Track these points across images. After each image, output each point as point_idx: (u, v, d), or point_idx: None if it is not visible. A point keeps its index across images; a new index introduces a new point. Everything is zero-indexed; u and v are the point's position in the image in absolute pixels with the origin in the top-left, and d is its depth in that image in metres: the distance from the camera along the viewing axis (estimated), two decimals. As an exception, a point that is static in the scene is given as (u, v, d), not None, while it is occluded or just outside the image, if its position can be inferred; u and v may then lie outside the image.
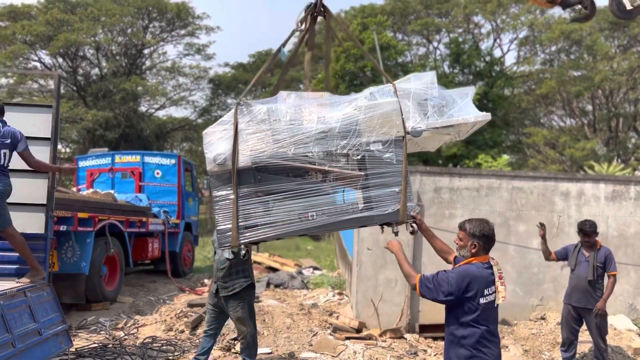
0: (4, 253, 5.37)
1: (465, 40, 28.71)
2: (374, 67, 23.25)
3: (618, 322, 7.68)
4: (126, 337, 7.04)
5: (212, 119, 31.32)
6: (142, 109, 31.76)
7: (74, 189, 11.91)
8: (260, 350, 6.50)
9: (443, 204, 8.01)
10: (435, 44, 30.19)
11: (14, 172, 5.35)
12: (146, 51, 31.80)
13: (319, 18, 4.26)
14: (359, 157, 3.69)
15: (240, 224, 3.67)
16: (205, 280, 12.07)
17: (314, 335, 7.32)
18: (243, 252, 3.81)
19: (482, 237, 3.39)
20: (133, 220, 9.82)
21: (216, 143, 3.72)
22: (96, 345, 6.52)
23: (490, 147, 24.99)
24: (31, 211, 5.64)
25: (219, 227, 3.75)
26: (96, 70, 30.23)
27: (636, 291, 8.18)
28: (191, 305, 8.82)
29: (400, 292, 7.72)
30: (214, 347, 5.77)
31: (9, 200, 5.31)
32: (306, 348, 6.80)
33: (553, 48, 28.71)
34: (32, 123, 5.72)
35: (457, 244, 3.51)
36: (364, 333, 7.47)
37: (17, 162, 5.23)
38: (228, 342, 6.70)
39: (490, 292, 3.33)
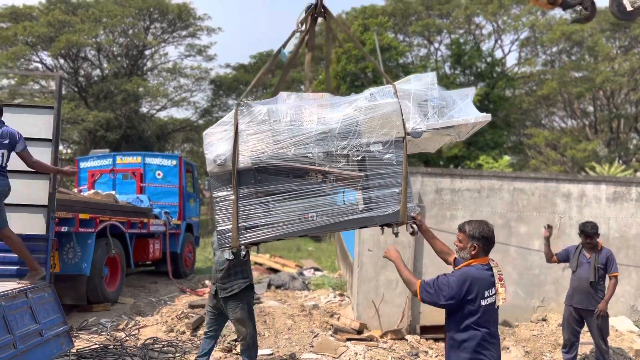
0: (4, 254, 5.37)
1: (467, 41, 28.71)
2: (374, 68, 23.27)
3: (619, 324, 7.67)
4: (127, 338, 7.04)
5: (213, 120, 31.33)
6: (144, 110, 31.81)
7: (75, 190, 11.92)
8: (261, 352, 6.50)
9: (444, 205, 8.01)
10: (436, 45, 30.21)
11: (15, 173, 5.36)
12: (147, 52, 31.86)
13: (320, 19, 4.25)
14: (359, 158, 3.68)
15: (241, 224, 3.67)
16: (206, 281, 12.06)
17: (315, 336, 7.31)
18: (243, 252, 3.81)
19: (481, 238, 3.39)
20: (134, 221, 9.82)
21: (216, 144, 3.72)
22: (97, 346, 6.52)
23: (491, 148, 24.98)
24: (32, 212, 5.64)
25: (219, 228, 3.74)
26: (97, 71, 30.29)
27: (637, 292, 8.17)
28: (192, 306, 8.82)
29: (401, 293, 7.72)
30: (214, 349, 5.77)
31: (9, 201, 5.32)
32: (307, 349, 6.80)
33: (554, 49, 28.71)
34: (33, 124, 5.72)
35: (456, 245, 3.50)
36: (365, 334, 7.47)
37: (19, 163, 5.23)
38: (229, 343, 6.70)
39: (491, 294, 3.33)
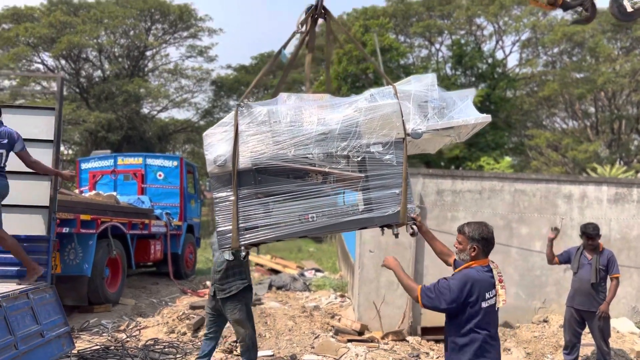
0: (5, 255, 5.37)
1: (468, 42, 28.70)
2: (375, 69, 23.25)
3: (621, 325, 7.66)
4: (128, 339, 7.04)
5: (214, 120, 31.35)
6: (145, 110, 31.88)
7: (77, 191, 11.93)
8: (262, 353, 6.50)
9: (445, 206, 8.00)
10: (437, 45, 30.21)
11: (16, 174, 5.36)
12: (149, 53, 31.93)
13: (320, 20, 4.25)
14: (359, 159, 3.68)
15: (241, 225, 3.67)
16: (207, 282, 12.07)
17: (315, 337, 7.31)
18: (243, 253, 3.81)
19: (481, 240, 3.38)
20: (135, 222, 9.83)
21: (216, 144, 3.72)
22: (98, 347, 6.52)
23: (492, 149, 24.96)
24: (34, 213, 5.64)
25: (219, 229, 3.75)
26: (99, 72, 30.35)
27: (639, 294, 8.15)
28: (193, 307, 8.82)
29: (402, 294, 7.71)
30: (215, 350, 5.77)
31: (11, 202, 5.33)
32: (308, 350, 6.80)
33: (555, 50, 28.70)
34: (34, 125, 5.73)
35: (456, 247, 3.49)
36: (366, 336, 7.46)
37: (20, 164, 5.24)
38: (230, 344, 6.70)
39: (491, 296, 3.32)
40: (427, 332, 7.62)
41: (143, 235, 10.56)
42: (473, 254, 3.38)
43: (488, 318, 3.32)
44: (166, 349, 6.67)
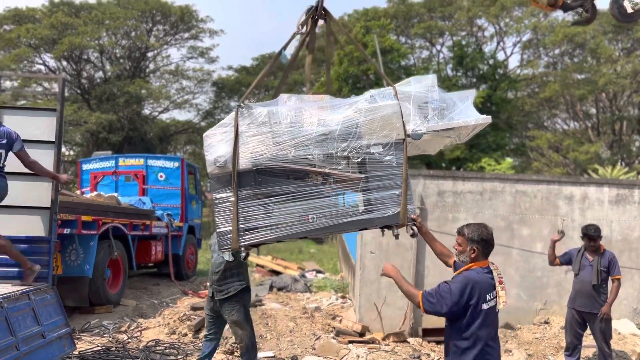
0: (6, 256, 5.38)
1: (469, 43, 28.71)
2: (375, 70, 23.26)
3: (622, 327, 7.65)
4: (129, 340, 7.04)
5: (215, 121, 31.34)
6: (146, 112, 31.91)
7: (78, 192, 11.94)
8: (263, 354, 6.50)
9: (446, 207, 8.00)
10: (438, 47, 30.23)
11: (18, 175, 5.37)
12: (150, 54, 31.99)
13: (321, 21, 4.25)
14: (359, 160, 3.68)
15: (241, 226, 3.67)
16: (208, 283, 12.06)
17: (317, 338, 7.31)
18: (243, 254, 3.81)
19: (480, 241, 3.37)
20: (136, 223, 9.84)
21: (216, 145, 3.72)
22: (99, 348, 6.53)
23: (493, 150, 24.96)
24: (35, 214, 5.65)
25: (219, 230, 3.74)
26: (100, 74, 30.40)
27: (640, 295, 8.15)
28: (194, 308, 8.82)
29: (403, 296, 7.67)
30: (216, 351, 5.76)
31: (12, 203, 5.33)
32: (309, 352, 6.79)
33: (557, 51, 28.69)
34: (36, 126, 5.74)
35: (456, 249, 3.48)
36: (367, 337, 7.46)
37: (22, 165, 5.24)
38: (231, 345, 6.70)
39: (492, 298, 3.31)
40: (428, 333, 7.62)
41: (144, 236, 10.57)
42: (473, 256, 3.37)
43: (489, 320, 3.31)
44: (167, 350, 6.68)
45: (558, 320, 7.69)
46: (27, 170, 5.33)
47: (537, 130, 29.67)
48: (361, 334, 7.47)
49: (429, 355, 6.93)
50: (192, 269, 13.39)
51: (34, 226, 5.61)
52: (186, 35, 31.65)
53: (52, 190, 5.65)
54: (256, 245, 3.86)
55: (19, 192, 5.44)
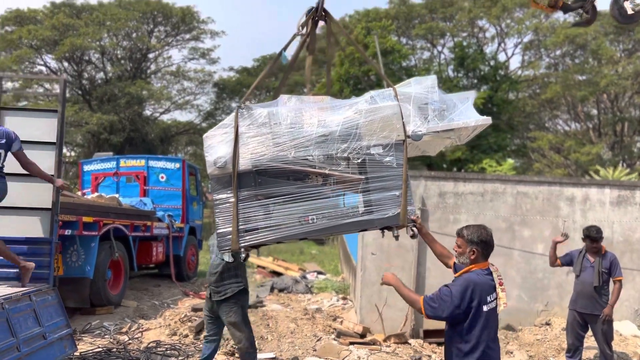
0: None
1: (470, 44, 28.70)
2: (376, 71, 23.25)
3: (624, 328, 7.64)
4: (130, 341, 7.04)
5: (216, 122, 31.14)
6: (147, 112, 31.95)
7: (79, 193, 11.95)
8: (264, 355, 6.50)
9: (448, 208, 7.99)
10: (439, 48, 30.24)
11: (19, 177, 5.37)
12: (151, 55, 32.01)
13: (321, 22, 4.25)
14: (359, 161, 3.68)
15: (241, 227, 3.67)
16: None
17: (318, 340, 7.30)
18: (243, 255, 3.81)
19: (480, 243, 3.36)
20: (137, 224, 9.84)
21: (217, 146, 3.72)
22: (100, 349, 6.53)
23: (494, 151, 24.95)
24: (36, 215, 5.66)
25: (219, 230, 3.74)
26: (101, 74, 30.45)
27: (642, 296, 8.13)
28: (195, 309, 8.82)
29: (404, 296, 7.70)
30: (217, 352, 5.75)
31: (14, 204, 5.33)
32: (310, 353, 6.79)
33: (558, 52, 28.67)
34: (37, 127, 5.75)
35: (455, 251, 3.48)
36: (368, 338, 7.46)
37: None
38: (232, 347, 6.69)
39: (492, 299, 3.31)
40: (429, 334, 7.61)
41: (145, 237, 10.57)
42: (472, 257, 3.36)
43: (490, 322, 3.31)
44: (168, 351, 6.67)
45: (559, 321, 7.68)
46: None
47: (538, 132, 29.65)
48: (362, 335, 7.47)
49: (430, 356, 6.92)
50: (193, 270, 13.39)
51: (35, 227, 5.61)
52: (187, 36, 31.71)
53: (53, 191, 5.66)
54: (256, 246, 3.86)
55: (21, 193, 5.44)
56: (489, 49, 29.54)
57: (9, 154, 5.09)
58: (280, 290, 11.46)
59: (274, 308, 9.47)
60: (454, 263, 3.65)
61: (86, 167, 12.68)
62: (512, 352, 6.89)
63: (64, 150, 6.91)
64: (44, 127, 5.77)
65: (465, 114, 3.85)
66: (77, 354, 5.99)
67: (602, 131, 28.49)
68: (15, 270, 5.36)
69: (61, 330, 5.22)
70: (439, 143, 4.18)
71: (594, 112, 29.62)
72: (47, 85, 28.06)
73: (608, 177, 18.25)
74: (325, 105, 3.80)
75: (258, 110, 3.73)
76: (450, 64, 29.28)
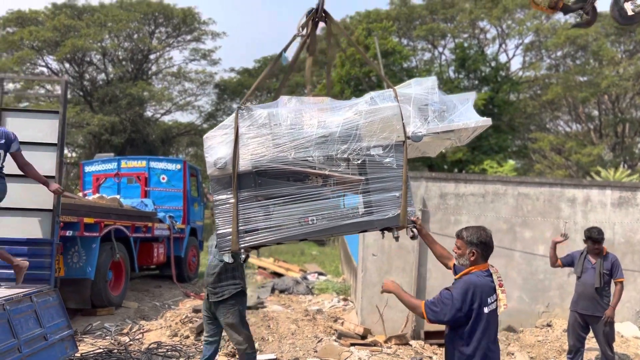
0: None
1: (471, 45, 28.70)
2: (376, 72, 23.23)
3: (625, 330, 7.63)
4: (131, 342, 7.05)
5: (217, 123, 31.04)
6: (148, 114, 31.96)
7: (80, 194, 11.96)
8: (264, 356, 6.50)
9: (449, 210, 7.99)
10: (440, 49, 30.22)
11: (20, 178, 5.38)
12: (152, 56, 32.03)
13: (322, 23, 4.25)
14: (359, 162, 3.69)
15: (240, 228, 3.67)
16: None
17: (318, 341, 7.30)
18: (243, 256, 3.81)
19: (479, 244, 3.36)
20: (139, 225, 9.85)
21: (217, 147, 3.73)
22: (101, 350, 6.53)
23: (495, 152, 24.93)
24: (37, 216, 5.67)
25: (219, 231, 3.74)
26: (102, 76, 30.47)
27: (643, 298, 8.12)
28: (196, 310, 8.82)
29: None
30: (218, 353, 5.74)
31: (12, 205, 5.33)
32: (311, 354, 6.79)
33: (559, 53, 28.65)
34: (39, 129, 5.76)
35: (455, 252, 3.48)
36: (369, 339, 7.45)
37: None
38: (232, 348, 6.69)
39: (493, 301, 3.31)
40: (430, 336, 7.60)
41: (146, 238, 10.58)
42: (472, 259, 3.36)
43: (491, 323, 3.30)
44: (169, 352, 6.68)
45: (560, 323, 7.68)
46: (29, 173, 5.34)
47: (539, 133, 29.62)
48: (363, 337, 7.47)
49: (431, 358, 6.92)
50: (194, 271, 13.39)
51: (36, 228, 5.62)
52: (188, 37, 31.72)
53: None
54: (256, 247, 3.86)
55: (22, 194, 5.45)
56: (490, 50, 29.56)
57: (8, 154, 5.09)
58: (281, 291, 11.46)
59: (274, 309, 9.47)
60: (454, 264, 3.65)
61: (87, 168, 12.69)
62: (513, 354, 6.89)
63: (65, 152, 6.91)
64: (45, 128, 5.78)
65: (465, 115, 3.85)
66: (78, 355, 6.00)
67: (603, 132, 28.46)
68: (13, 271, 5.36)
69: (62, 331, 5.23)
70: (439, 144, 4.18)
71: (595, 113, 29.58)
72: (49, 87, 28.07)
73: (609, 178, 18.22)
74: (325, 106, 3.80)
75: (258, 111, 3.73)
76: (451, 65, 29.27)
